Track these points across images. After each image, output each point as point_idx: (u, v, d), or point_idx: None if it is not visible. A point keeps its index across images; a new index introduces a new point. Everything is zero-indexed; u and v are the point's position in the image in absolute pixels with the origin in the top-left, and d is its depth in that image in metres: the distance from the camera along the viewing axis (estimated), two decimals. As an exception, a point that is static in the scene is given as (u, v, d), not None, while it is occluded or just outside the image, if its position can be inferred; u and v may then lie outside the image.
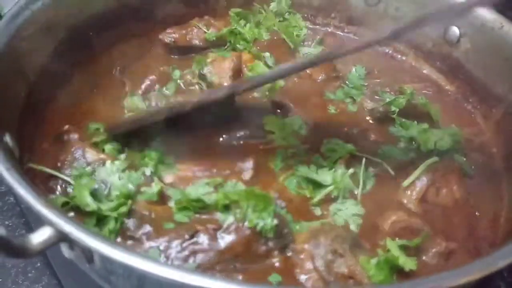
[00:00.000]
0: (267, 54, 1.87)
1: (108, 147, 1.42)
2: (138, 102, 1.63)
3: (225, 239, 1.18)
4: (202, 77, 1.74)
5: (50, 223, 0.96)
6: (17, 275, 1.43)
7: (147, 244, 1.19)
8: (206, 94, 1.61)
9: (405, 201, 1.41)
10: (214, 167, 1.43)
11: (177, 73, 1.79)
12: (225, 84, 1.70)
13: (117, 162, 1.35)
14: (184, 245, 1.17)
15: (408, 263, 1.17)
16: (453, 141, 1.53)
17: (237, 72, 1.78)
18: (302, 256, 1.20)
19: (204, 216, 1.23)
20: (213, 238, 1.18)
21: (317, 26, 2.11)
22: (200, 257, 1.16)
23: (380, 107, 1.68)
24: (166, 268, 0.91)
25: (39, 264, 1.45)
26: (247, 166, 1.44)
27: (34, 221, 1.51)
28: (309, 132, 1.58)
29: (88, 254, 1.01)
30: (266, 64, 1.84)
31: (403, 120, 1.63)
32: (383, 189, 1.44)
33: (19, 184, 1.03)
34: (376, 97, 1.75)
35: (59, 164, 1.37)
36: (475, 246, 1.33)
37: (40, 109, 1.54)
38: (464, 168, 1.53)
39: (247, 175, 1.43)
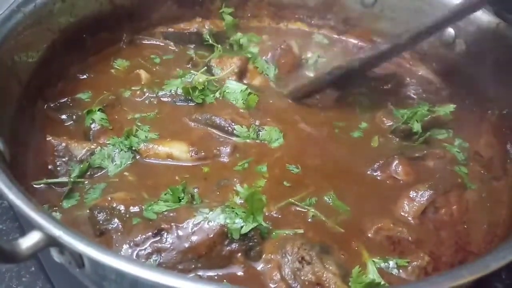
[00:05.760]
0: (271, 67, 1.88)
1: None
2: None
3: (189, 239, 1.17)
4: (208, 68, 1.81)
5: (39, 227, 0.96)
6: (11, 279, 1.42)
7: (115, 240, 1.19)
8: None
9: (401, 212, 1.40)
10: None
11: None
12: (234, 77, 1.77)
13: (106, 148, 1.45)
14: (148, 242, 1.17)
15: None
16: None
17: (241, 71, 1.81)
18: (269, 266, 1.21)
19: (171, 214, 1.22)
20: (177, 237, 1.17)
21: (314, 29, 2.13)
22: (162, 256, 1.16)
23: (401, 126, 1.64)
24: (156, 273, 0.90)
25: (33, 269, 1.44)
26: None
27: (26, 225, 1.51)
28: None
29: (78, 258, 1.00)
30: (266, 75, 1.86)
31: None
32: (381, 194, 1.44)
33: (8, 188, 1.03)
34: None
35: (50, 167, 1.39)
36: (461, 262, 1.32)
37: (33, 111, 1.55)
38: (465, 181, 1.51)
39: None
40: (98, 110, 1.56)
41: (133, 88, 1.72)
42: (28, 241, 0.94)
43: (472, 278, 0.94)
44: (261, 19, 2.13)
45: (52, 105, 1.61)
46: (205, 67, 1.82)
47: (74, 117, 1.59)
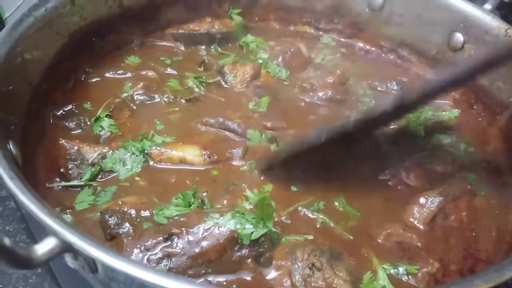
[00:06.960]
0: (283, 69, 1.88)
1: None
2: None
3: (199, 244, 1.17)
4: (221, 73, 1.82)
5: (55, 234, 0.96)
6: (18, 281, 1.43)
7: (126, 244, 1.19)
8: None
9: (410, 218, 1.40)
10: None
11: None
12: (240, 86, 1.77)
13: (118, 152, 1.45)
14: (159, 247, 1.17)
15: None
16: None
17: (254, 79, 1.83)
18: (280, 273, 1.21)
19: (182, 219, 1.22)
20: (188, 242, 1.17)
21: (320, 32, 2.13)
22: (173, 261, 1.16)
23: (404, 129, 1.64)
24: (170, 279, 0.91)
25: (40, 270, 1.45)
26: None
27: (34, 227, 1.51)
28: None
29: (91, 264, 1.00)
30: (279, 78, 1.86)
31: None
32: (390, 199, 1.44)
33: (23, 194, 1.02)
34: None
35: (62, 170, 1.40)
36: (470, 269, 1.32)
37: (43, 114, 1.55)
38: (474, 189, 1.50)
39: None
40: (106, 116, 1.55)
41: (138, 91, 1.70)
42: (43, 247, 0.94)
43: (487, 287, 0.95)
44: (269, 23, 2.14)
45: (58, 114, 1.58)
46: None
47: (82, 124, 1.56)
